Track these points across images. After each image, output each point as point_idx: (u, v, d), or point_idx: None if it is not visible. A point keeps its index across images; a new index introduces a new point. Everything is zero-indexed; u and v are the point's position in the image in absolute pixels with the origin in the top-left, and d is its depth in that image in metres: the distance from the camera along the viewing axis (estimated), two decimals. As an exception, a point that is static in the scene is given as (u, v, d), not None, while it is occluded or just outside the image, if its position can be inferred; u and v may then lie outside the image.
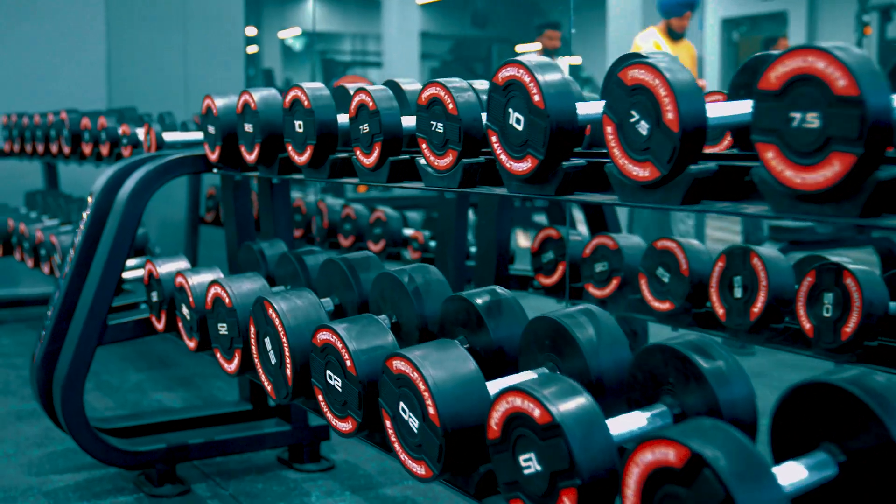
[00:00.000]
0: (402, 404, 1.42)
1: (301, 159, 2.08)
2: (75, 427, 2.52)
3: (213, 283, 2.05)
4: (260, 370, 1.89)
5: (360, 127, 1.90)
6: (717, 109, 1.26)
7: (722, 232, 8.89)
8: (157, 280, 2.42)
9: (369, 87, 1.88)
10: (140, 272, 2.95)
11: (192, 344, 2.25)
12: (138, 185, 2.56)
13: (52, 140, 4.04)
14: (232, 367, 2.04)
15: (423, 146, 1.72)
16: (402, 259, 3.91)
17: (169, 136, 3.09)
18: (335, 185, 7.72)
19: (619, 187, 1.33)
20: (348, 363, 1.57)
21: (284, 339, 1.76)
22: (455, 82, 1.67)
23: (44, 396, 2.68)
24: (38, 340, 2.75)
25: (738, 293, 2.36)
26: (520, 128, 1.45)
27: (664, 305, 2.57)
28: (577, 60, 21.96)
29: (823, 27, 12.56)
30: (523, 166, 1.45)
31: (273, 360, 1.82)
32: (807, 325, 2.20)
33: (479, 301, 1.70)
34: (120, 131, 3.39)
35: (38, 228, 3.66)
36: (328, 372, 1.63)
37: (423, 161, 1.74)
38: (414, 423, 1.40)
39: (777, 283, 2.29)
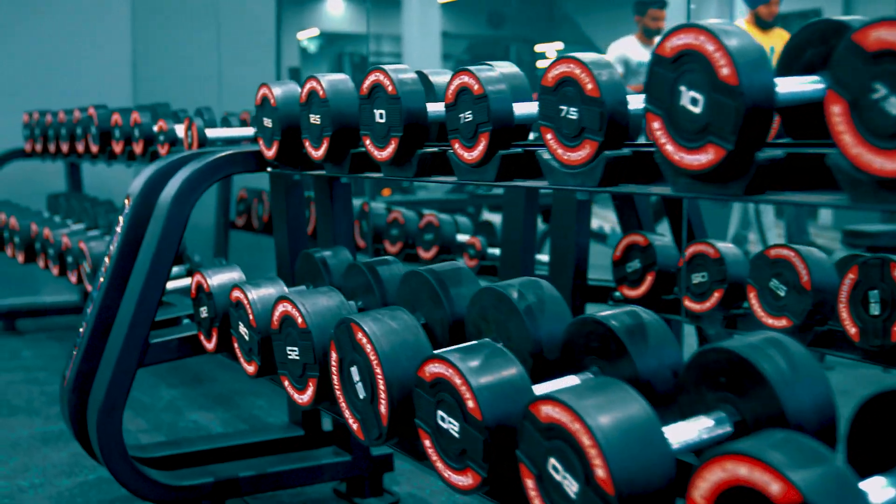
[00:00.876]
0: (552, 461, 1.12)
1: (382, 154, 1.78)
2: (113, 459, 2.23)
3: (282, 299, 1.75)
4: (343, 404, 1.59)
5: (461, 115, 1.60)
6: None
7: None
8: (208, 293, 2.13)
9: (474, 68, 1.58)
10: (179, 283, 2.66)
11: (251, 368, 1.96)
12: (184, 186, 2.27)
13: (79, 138, 3.76)
14: (304, 398, 1.74)
15: (548, 136, 1.42)
16: (458, 267, 3.60)
17: (212, 133, 2.80)
18: (360, 187, 7.30)
19: (849, 184, 1.02)
20: (470, 404, 1.26)
21: (378, 370, 1.46)
22: (592, 57, 1.37)
23: (76, 423, 2.39)
24: (69, 359, 2.46)
25: (874, 310, 2.05)
26: (697, 110, 1.14)
27: (780, 322, 2.25)
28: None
29: (859, 25, 12.16)
30: (700, 159, 1.15)
31: (362, 394, 1.52)
32: (967, 348, 1.89)
33: (616, 324, 1.39)
34: (156, 128, 3.10)
35: (65, 234, 3.38)
36: (440, 413, 1.33)
37: (546, 155, 1.44)
38: (571, 487, 1.10)
39: (925, 298, 1.98)
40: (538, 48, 22.37)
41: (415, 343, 1.49)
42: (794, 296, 2.22)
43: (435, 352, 1.35)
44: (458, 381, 1.28)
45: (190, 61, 5.32)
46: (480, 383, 1.27)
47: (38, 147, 4.37)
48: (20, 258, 3.88)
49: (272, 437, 2.66)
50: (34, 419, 3.30)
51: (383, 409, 1.47)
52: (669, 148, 1.20)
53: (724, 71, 1.10)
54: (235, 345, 2.02)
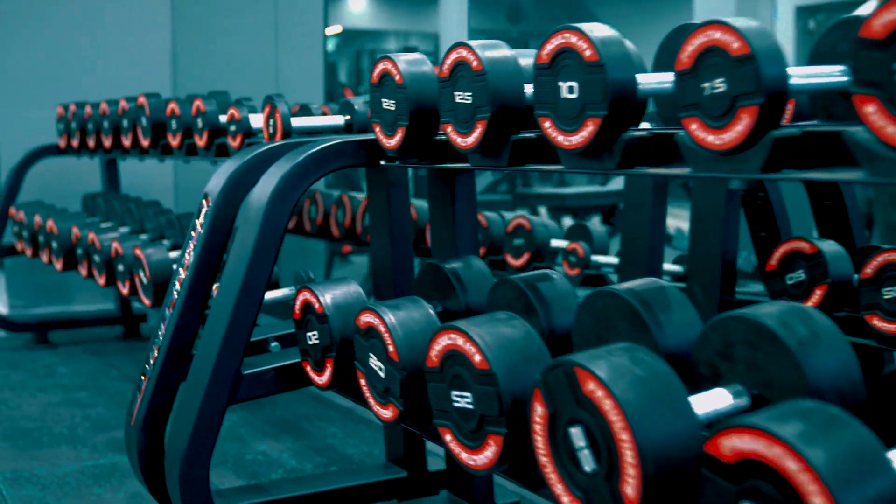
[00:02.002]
0: None
1: (570, 140, 1.37)
2: (198, 517, 1.83)
3: (447, 329, 1.34)
4: (553, 476, 1.17)
5: (706, 85, 1.19)
6: None
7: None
8: (321, 315, 1.72)
9: (728, 20, 1.17)
10: (269, 295, 2.25)
11: (387, 413, 1.55)
12: (283, 183, 1.86)
13: (125, 132, 3.36)
14: (480, 459, 1.33)
15: (869, 109, 1.01)
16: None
17: (298, 122, 2.40)
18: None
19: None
20: (817, 501, 0.85)
21: (625, 437, 1.05)
22: (955, -6, 0.96)
23: (147, 470, 1.99)
24: (136, 391, 2.06)
25: None
26: None
27: None
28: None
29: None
30: None
31: (588, 466, 1.11)
32: None
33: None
34: (224, 117, 2.70)
35: (115, 238, 2.97)
36: (750, 507, 0.92)
37: (863, 135, 1.03)
38: None
39: None
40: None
41: (669, 397, 1.08)
42: None
43: (739, 418, 0.94)
44: (792, 465, 0.87)
45: (240, 50, 4.93)
46: (831, 470, 0.85)
47: (75, 142, 3.97)
48: (58, 265, 3.48)
49: (371, 479, 2.25)
50: (80, 450, 2.90)
51: (630, 490, 1.06)
52: None
53: None
54: (362, 382, 1.62)
